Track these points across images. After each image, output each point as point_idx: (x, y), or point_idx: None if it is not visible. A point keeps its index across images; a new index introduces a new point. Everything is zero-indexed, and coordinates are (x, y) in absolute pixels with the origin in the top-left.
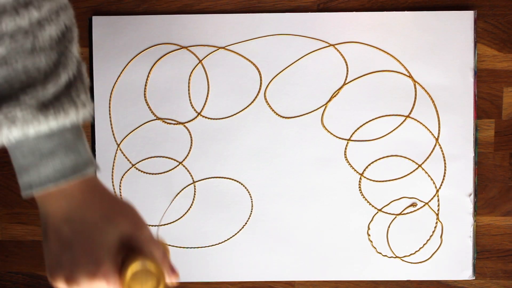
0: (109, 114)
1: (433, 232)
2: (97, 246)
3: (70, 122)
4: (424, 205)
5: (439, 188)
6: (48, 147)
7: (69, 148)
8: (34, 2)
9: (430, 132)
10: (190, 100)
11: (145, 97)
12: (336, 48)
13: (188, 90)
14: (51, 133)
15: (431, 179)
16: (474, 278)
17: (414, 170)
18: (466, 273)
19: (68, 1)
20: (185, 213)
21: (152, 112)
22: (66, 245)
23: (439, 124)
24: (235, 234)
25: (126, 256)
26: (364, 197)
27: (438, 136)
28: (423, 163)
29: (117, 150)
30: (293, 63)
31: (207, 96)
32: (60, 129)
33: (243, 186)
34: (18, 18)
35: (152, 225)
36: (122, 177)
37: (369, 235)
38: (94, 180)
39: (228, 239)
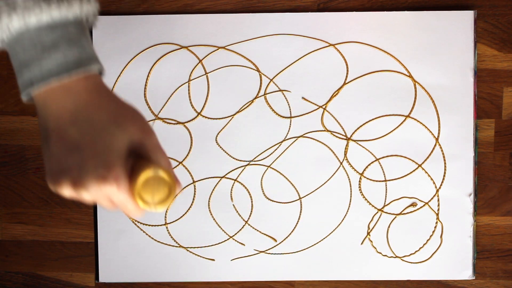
0: None
1: (433, 232)
2: (107, 149)
3: (73, 15)
4: (424, 205)
5: (439, 188)
6: (50, 39)
7: (72, 42)
8: None
9: (430, 132)
10: (190, 100)
11: (145, 97)
12: (336, 48)
13: (188, 90)
14: (53, 24)
15: (431, 179)
16: (474, 278)
17: (414, 170)
18: (466, 273)
19: None
20: (185, 213)
21: (152, 112)
22: (73, 148)
23: (439, 124)
24: (235, 234)
25: (135, 163)
26: (364, 197)
27: (438, 136)
28: (423, 163)
29: None
30: (293, 63)
31: (207, 96)
32: (62, 20)
33: (243, 186)
34: None
35: (154, 225)
36: None
37: (369, 235)
38: (100, 80)
39: (228, 239)
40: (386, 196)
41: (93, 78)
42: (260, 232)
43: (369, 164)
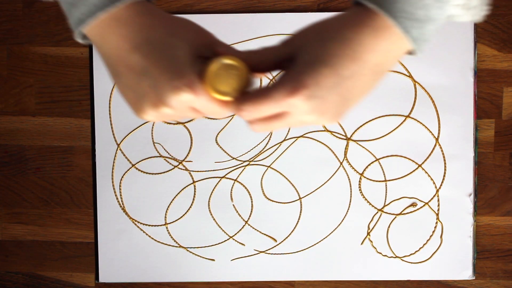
0: (109, 114)
1: (433, 232)
2: (173, 61)
3: None
4: (424, 205)
5: (439, 188)
6: None
7: None
8: None
9: (430, 132)
10: None
11: None
12: None
13: None
14: None
15: (431, 179)
16: (474, 278)
17: (414, 170)
18: (466, 273)
19: None
20: (185, 213)
21: None
22: (142, 72)
23: (439, 124)
24: (235, 234)
25: (203, 63)
26: (364, 197)
27: (438, 136)
28: (423, 163)
29: (117, 150)
30: None
31: None
32: None
33: (243, 186)
34: None
35: (154, 225)
36: (122, 177)
37: (369, 235)
38: (146, 2)
39: (228, 239)
40: (386, 196)
41: (140, 2)
42: (260, 232)
43: (369, 164)
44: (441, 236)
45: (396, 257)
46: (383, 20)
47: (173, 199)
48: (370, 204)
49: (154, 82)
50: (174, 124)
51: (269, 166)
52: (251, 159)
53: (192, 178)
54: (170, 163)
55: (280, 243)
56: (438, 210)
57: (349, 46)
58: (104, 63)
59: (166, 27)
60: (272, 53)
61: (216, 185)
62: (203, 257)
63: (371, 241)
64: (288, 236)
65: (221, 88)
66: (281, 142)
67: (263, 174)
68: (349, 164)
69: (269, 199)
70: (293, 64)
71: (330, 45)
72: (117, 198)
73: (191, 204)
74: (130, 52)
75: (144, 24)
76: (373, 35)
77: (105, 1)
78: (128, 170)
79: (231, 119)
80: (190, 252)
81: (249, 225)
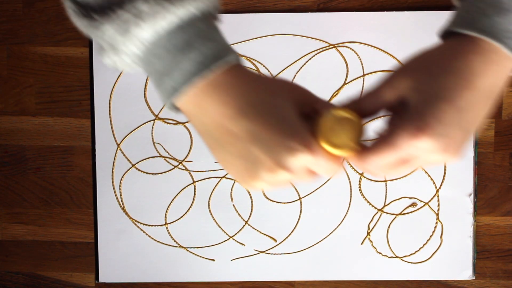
0: (109, 114)
1: (433, 232)
2: (283, 121)
3: (199, 9)
4: (424, 205)
5: (439, 188)
6: (182, 40)
7: (204, 37)
8: None
9: None
10: None
11: (145, 97)
12: (336, 48)
13: None
14: (182, 23)
15: (431, 179)
16: (474, 278)
17: (414, 170)
18: (466, 273)
19: None
20: (185, 213)
21: (152, 112)
22: (252, 138)
23: None
24: (235, 234)
25: (311, 121)
26: (364, 197)
27: None
28: None
29: (117, 150)
30: (293, 63)
31: None
32: (190, 18)
33: None
34: None
35: (154, 225)
36: (122, 177)
37: (369, 235)
38: (241, 66)
39: (228, 239)
40: (386, 196)
41: (235, 66)
42: (260, 232)
43: None
44: (441, 236)
45: (396, 257)
46: (489, 44)
47: (173, 199)
48: (370, 204)
49: (267, 147)
50: (174, 124)
51: None
52: None
53: (192, 178)
54: (170, 163)
55: (280, 243)
56: (438, 210)
57: (463, 76)
58: (200, 134)
59: (267, 89)
60: (378, 98)
61: (216, 185)
62: (203, 257)
63: (371, 241)
64: (288, 236)
65: (338, 142)
66: None
67: None
68: (349, 164)
69: (269, 199)
70: (407, 105)
71: (443, 79)
72: (117, 198)
73: (191, 204)
74: (235, 119)
75: (244, 88)
76: (482, 61)
77: (201, 66)
78: (128, 170)
79: None
80: (190, 252)
81: (249, 225)
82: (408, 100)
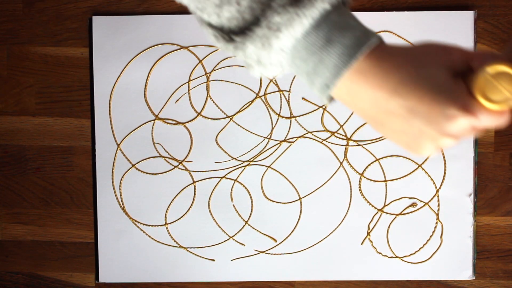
0: (109, 114)
1: (433, 232)
2: (436, 90)
3: (329, 2)
4: (424, 205)
5: (439, 188)
6: (321, 37)
7: (341, 28)
8: None
9: None
10: (190, 100)
11: (145, 97)
12: None
13: (188, 90)
14: (316, 23)
15: (431, 179)
16: (474, 278)
17: (414, 170)
18: (466, 273)
19: None
20: (185, 213)
21: (152, 112)
22: (409, 114)
23: None
24: (235, 234)
25: (466, 80)
26: (364, 197)
27: None
28: (423, 163)
29: (117, 150)
30: None
31: (207, 96)
32: (322, 14)
33: (243, 186)
34: None
35: (154, 225)
36: (122, 177)
37: (369, 235)
38: (383, 44)
39: (228, 239)
40: (386, 196)
41: (377, 47)
42: (260, 232)
43: (369, 164)
44: (441, 236)
45: (396, 257)
46: None
47: (173, 199)
48: (370, 204)
49: (427, 119)
50: (174, 124)
51: (269, 166)
52: (251, 159)
53: (192, 178)
54: (170, 163)
55: (280, 243)
56: (438, 210)
57: None
58: (361, 116)
59: (411, 61)
60: None
61: (216, 185)
62: (203, 257)
63: (371, 241)
64: (288, 236)
65: (497, 99)
66: (281, 142)
67: (263, 174)
68: (349, 164)
69: (269, 199)
70: None
71: None
72: (117, 198)
73: (191, 204)
74: (389, 99)
75: (389, 67)
76: None
77: (346, 59)
78: (128, 170)
79: (231, 119)
80: (190, 252)
81: (249, 225)
82: None
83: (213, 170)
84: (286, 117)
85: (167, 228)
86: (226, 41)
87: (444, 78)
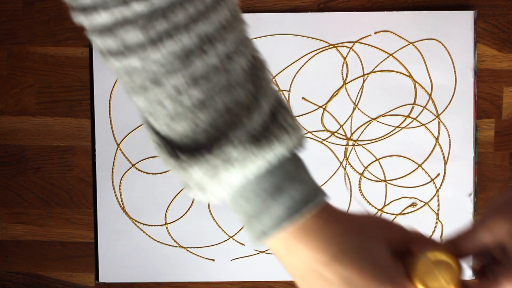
0: (109, 114)
1: (433, 232)
2: (376, 266)
3: (287, 150)
4: (424, 205)
5: (439, 188)
6: (272, 183)
7: (293, 179)
8: (217, 37)
9: (430, 132)
10: None
11: None
12: (336, 48)
13: None
14: (271, 167)
15: (431, 179)
16: (474, 278)
17: (414, 170)
18: (466, 273)
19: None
20: (185, 213)
21: None
22: (344, 284)
23: (439, 124)
24: (235, 234)
25: (405, 261)
26: (364, 197)
27: (438, 136)
28: (423, 163)
29: (117, 150)
30: (293, 63)
31: None
32: (279, 160)
33: None
34: (207, 56)
35: (154, 225)
36: (122, 177)
37: None
38: (329, 206)
39: (228, 239)
40: (386, 196)
41: (324, 209)
42: None
43: (369, 164)
44: (441, 236)
45: None
46: None
47: (173, 199)
48: (370, 204)
49: None
50: None
51: None
52: None
53: None
54: None
55: None
56: (438, 210)
57: None
58: (290, 274)
59: (358, 231)
60: (475, 240)
61: None
62: (203, 257)
63: None
64: None
65: (434, 286)
66: None
67: None
68: (349, 164)
69: None
70: (506, 251)
71: None
72: (117, 198)
73: (191, 204)
74: (328, 265)
75: (335, 232)
76: None
77: (291, 211)
78: (128, 170)
79: None
80: (190, 252)
81: None
82: (507, 246)
83: None
84: None
85: (167, 228)
86: (170, 155)
87: (385, 255)
